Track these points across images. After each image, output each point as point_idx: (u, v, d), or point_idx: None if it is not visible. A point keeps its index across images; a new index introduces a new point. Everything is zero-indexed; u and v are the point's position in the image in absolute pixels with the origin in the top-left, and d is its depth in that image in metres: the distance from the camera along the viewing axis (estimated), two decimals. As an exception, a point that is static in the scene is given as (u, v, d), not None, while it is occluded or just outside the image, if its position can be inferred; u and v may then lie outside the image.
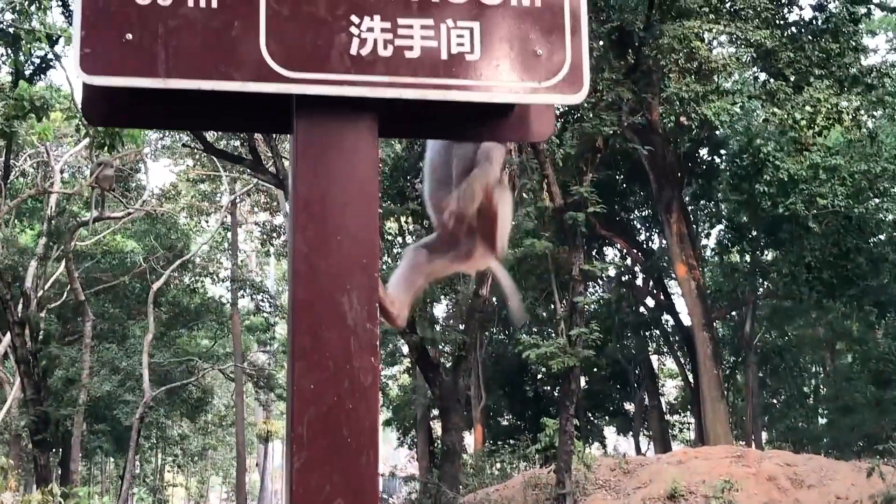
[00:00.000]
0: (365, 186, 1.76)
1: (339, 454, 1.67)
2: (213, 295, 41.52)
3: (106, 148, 17.77)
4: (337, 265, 1.72)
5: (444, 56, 2.08)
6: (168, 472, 56.77)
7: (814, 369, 42.51)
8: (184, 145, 36.17)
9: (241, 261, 43.85)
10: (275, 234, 38.60)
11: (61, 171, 26.40)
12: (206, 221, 39.88)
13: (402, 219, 30.75)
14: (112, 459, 46.63)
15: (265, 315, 42.10)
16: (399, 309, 2.06)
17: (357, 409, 1.70)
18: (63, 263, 26.53)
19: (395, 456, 49.77)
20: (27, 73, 20.63)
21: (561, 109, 28.13)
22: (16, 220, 27.66)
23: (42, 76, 22.68)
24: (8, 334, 22.47)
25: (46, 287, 26.32)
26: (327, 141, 1.71)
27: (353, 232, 1.74)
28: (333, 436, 1.68)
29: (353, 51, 2.02)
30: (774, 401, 41.61)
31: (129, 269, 31.39)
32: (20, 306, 23.37)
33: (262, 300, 41.65)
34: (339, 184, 1.74)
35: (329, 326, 1.71)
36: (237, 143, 34.19)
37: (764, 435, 39.18)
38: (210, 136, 34.04)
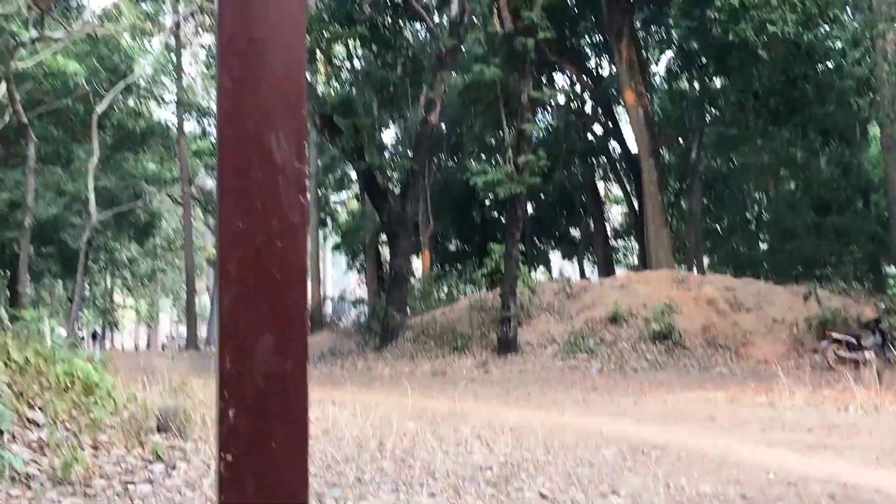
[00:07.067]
0: (292, 22, 1.73)
1: (268, 292, 1.69)
2: (158, 118, 41.00)
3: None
4: (264, 103, 1.70)
5: None
6: (118, 294, 57.18)
7: (757, 196, 43.19)
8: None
9: (187, 84, 43.13)
10: (221, 57, 37.87)
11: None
12: (150, 43, 38.98)
13: (350, 42, 30.25)
14: (61, 282, 46.77)
15: (212, 139, 41.78)
16: None
17: (286, 247, 1.71)
18: (3, 84, 25.89)
19: (343, 280, 50.44)
20: None
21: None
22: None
23: None
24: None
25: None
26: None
27: (281, 70, 1.71)
28: (263, 274, 1.69)
29: None
30: (717, 227, 42.37)
31: (71, 92, 30.73)
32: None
33: (209, 124, 41.28)
34: (264, 19, 1.71)
35: (256, 165, 1.70)
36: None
37: (706, 260, 40.05)
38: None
